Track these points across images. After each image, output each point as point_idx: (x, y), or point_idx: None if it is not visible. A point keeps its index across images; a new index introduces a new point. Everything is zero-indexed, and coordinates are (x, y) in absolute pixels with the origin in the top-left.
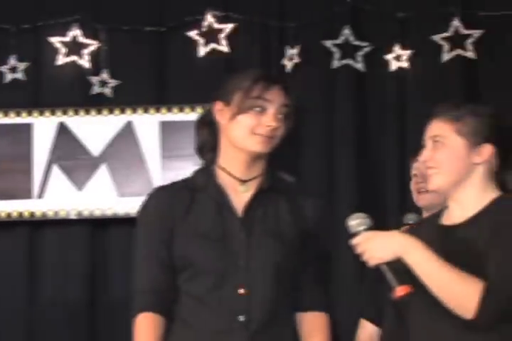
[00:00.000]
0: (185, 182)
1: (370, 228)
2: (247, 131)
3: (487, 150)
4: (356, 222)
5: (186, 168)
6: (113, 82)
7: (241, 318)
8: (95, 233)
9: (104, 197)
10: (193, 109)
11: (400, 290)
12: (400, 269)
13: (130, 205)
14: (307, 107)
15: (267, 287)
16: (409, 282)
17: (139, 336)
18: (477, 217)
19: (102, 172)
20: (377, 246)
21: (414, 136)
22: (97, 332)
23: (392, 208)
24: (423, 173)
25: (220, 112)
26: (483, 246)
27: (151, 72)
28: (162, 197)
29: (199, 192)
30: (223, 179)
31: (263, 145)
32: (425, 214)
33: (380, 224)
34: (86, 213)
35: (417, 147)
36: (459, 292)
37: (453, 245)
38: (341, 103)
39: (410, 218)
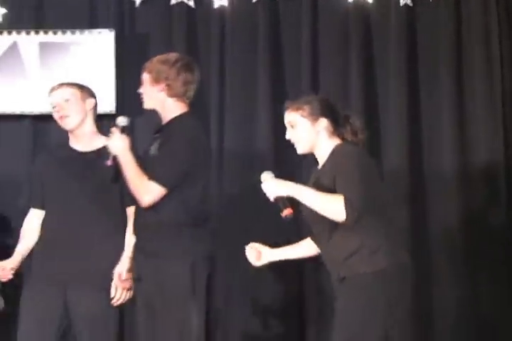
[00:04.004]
0: None
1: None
2: None
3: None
4: (268, 176)
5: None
6: (3, 11)
7: None
8: None
9: None
10: (64, 33)
11: (286, 212)
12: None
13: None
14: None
15: None
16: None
17: None
18: (326, 161)
19: None
20: (274, 187)
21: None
22: None
23: None
24: None
25: None
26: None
27: (33, 3)
28: None
29: None
30: None
31: None
32: None
33: None
34: None
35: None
36: (332, 207)
37: (319, 180)
38: (176, 35)
39: (120, 120)
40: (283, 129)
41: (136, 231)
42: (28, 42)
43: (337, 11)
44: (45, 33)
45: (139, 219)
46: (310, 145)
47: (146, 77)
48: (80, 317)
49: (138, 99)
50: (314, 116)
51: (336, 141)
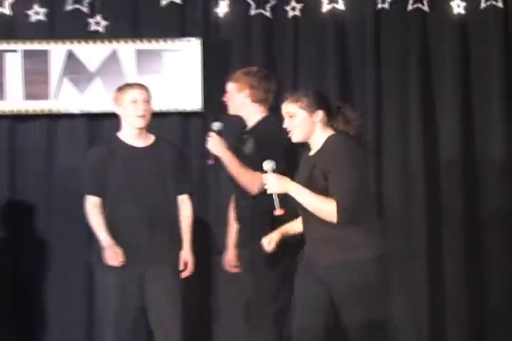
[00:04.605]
0: None
1: (274, 171)
2: None
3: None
4: (269, 165)
5: (157, 83)
6: (104, 23)
7: None
8: (92, 123)
9: (98, 99)
10: (158, 41)
11: (279, 211)
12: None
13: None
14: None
15: None
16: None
17: None
18: (319, 150)
19: (97, 83)
20: (274, 183)
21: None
22: None
23: None
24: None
25: None
26: (323, 168)
27: (132, 14)
28: None
29: None
30: None
31: None
32: None
33: None
34: (85, 109)
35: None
36: (325, 210)
37: (310, 168)
38: (255, 39)
39: (216, 125)
40: None
41: (238, 220)
42: (126, 49)
43: (397, 20)
44: (141, 41)
45: (243, 209)
46: (305, 135)
47: (232, 86)
48: (155, 293)
49: (221, 98)
50: (312, 108)
51: (329, 132)
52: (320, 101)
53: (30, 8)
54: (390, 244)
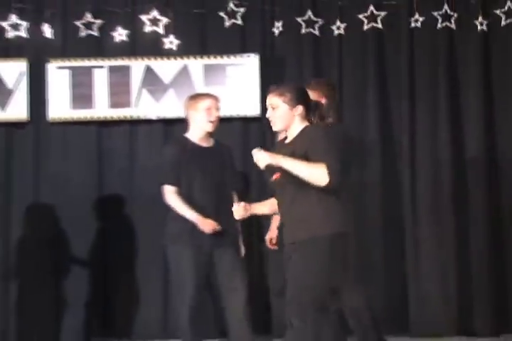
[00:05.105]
0: None
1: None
2: None
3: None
4: (255, 151)
5: (222, 92)
6: (176, 42)
7: None
8: (167, 128)
9: (172, 107)
10: (222, 57)
11: (275, 176)
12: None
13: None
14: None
15: None
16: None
17: None
18: (295, 137)
19: (171, 93)
20: (263, 157)
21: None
22: None
23: None
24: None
25: None
26: (301, 151)
27: (200, 34)
28: None
29: None
30: None
31: None
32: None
33: None
34: (161, 115)
35: None
36: (316, 172)
37: (288, 152)
38: (305, 54)
39: None
40: (388, 128)
41: None
42: (195, 64)
43: (428, 36)
44: (208, 57)
45: None
46: (284, 126)
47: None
48: (223, 269)
49: None
50: (293, 103)
51: (305, 124)
52: (301, 97)
53: (114, 30)
54: (422, 239)
